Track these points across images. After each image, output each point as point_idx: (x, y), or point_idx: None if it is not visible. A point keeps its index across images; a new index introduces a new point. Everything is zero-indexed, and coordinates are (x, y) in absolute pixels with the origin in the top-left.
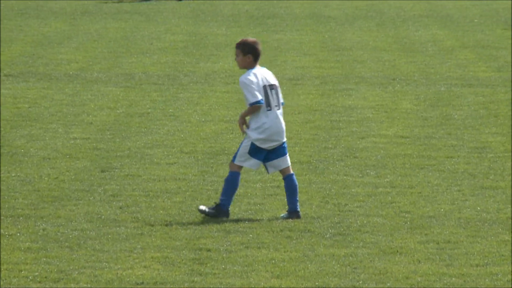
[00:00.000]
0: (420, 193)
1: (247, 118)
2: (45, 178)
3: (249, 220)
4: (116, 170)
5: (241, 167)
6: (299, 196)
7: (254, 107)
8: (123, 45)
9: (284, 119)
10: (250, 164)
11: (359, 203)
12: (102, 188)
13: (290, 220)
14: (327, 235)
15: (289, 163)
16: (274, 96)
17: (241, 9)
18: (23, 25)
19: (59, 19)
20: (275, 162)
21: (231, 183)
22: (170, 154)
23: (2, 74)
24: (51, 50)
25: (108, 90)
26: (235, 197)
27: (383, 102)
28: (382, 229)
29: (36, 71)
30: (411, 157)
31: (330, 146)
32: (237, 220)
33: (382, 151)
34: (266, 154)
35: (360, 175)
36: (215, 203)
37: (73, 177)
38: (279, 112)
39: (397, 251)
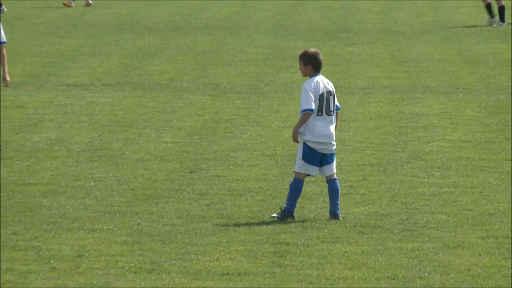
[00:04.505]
0: (481, 192)
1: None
2: (139, 178)
3: (325, 216)
4: (203, 171)
5: (304, 174)
6: (370, 196)
7: (306, 114)
8: (210, 58)
9: (354, 125)
10: (309, 171)
11: (425, 201)
12: (190, 188)
13: (362, 216)
14: (396, 231)
15: (334, 170)
16: (331, 102)
17: (317, 24)
18: (119, 39)
19: (152, 34)
20: (324, 168)
21: (294, 189)
22: (252, 156)
23: (100, 83)
24: (144, 62)
25: (196, 98)
26: (312, 196)
27: (447, 109)
28: (446, 225)
29: (131, 81)
30: (473, 160)
31: (398, 149)
32: (313, 217)
33: (446, 154)
34: (320, 161)
35: (426, 176)
36: (280, 208)
37: (164, 178)
38: (330, 118)
39: (460, 245)
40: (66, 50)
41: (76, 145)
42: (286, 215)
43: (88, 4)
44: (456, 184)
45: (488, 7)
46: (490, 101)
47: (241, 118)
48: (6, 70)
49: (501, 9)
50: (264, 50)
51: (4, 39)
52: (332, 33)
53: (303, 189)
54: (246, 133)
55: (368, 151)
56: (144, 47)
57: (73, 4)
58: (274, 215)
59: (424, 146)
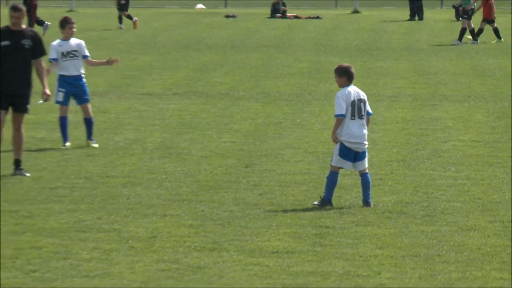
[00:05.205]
0: (489, 184)
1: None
2: (203, 172)
3: (358, 204)
4: (257, 166)
5: (338, 167)
6: (397, 187)
7: (339, 119)
8: (261, 71)
9: (383, 127)
10: (344, 165)
11: (443, 191)
12: (246, 180)
13: (390, 204)
14: (418, 216)
15: (366, 165)
16: (362, 108)
17: (352, 44)
18: (186, 56)
19: (213, 52)
20: (357, 164)
21: (330, 180)
22: (298, 154)
23: (170, 93)
24: (207, 74)
25: (250, 105)
26: (348, 187)
27: (461, 114)
28: (460, 211)
29: (196, 90)
30: (482, 157)
31: (420, 148)
32: (349, 204)
33: (460, 152)
34: (354, 157)
35: (443, 170)
36: (320, 197)
37: (224, 171)
38: (362, 121)
39: (472, 228)
40: (142, 65)
41: (150, 144)
42: (325, 202)
43: (120, 28)
44: (469, 177)
45: (472, 31)
46: (497, 107)
47: (288, 122)
48: (101, 61)
49: (463, 31)
50: (307, 65)
51: (86, 53)
52: (364, 51)
53: (340, 181)
54: (292, 134)
55: (394, 149)
56: (206, 62)
57: (122, 27)
58: (315, 202)
59: (442, 145)
